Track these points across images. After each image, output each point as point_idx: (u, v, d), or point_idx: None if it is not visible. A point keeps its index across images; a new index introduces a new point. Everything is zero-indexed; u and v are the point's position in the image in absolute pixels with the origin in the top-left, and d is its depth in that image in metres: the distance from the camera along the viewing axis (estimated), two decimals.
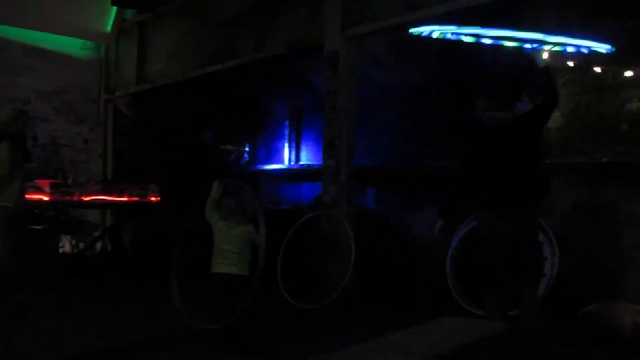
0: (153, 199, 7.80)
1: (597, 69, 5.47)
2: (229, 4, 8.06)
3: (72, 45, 9.81)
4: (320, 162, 6.85)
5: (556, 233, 5.25)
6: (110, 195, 7.62)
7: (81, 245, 8.62)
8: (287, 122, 9.94)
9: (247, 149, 10.34)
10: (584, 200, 5.78)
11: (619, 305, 4.64)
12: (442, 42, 4.76)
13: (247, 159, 10.32)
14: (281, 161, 9.97)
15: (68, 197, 7.14)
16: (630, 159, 5.57)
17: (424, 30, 4.66)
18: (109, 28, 9.92)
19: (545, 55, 5.02)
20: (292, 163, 9.85)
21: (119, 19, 9.91)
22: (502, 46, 4.57)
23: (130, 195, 7.65)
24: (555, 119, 6.07)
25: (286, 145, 9.93)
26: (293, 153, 9.89)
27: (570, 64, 5.57)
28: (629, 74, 5.59)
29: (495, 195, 3.71)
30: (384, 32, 6.47)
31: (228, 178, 4.70)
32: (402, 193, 7.65)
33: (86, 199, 7.36)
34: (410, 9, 5.83)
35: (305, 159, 9.78)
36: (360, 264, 5.80)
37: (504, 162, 3.71)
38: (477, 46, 4.89)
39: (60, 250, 8.17)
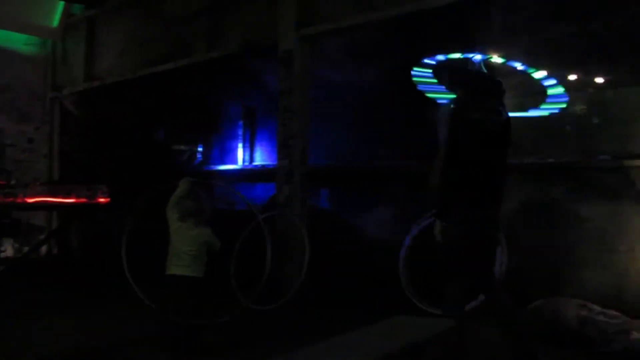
0: (102, 200, 7.57)
1: (543, 73, 5.65)
2: (182, 1, 7.93)
3: (15, 41, 9.43)
4: (274, 162, 6.82)
5: (503, 231, 5.38)
6: (56, 196, 7.35)
7: (25, 248, 8.30)
8: (241, 122, 9.86)
9: (200, 148, 10.19)
10: (530, 199, 5.97)
11: (564, 300, 4.81)
12: (396, 44, 4.80)
13: (201, 159, 10.18)
14: (235, 161, 9.87)
15: (11, 199, 6.85)
16: (573, 160, 5.80)
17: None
18: (55, 23, 9.59)
19: (494, 59, 5.15)
20: (247, 163, 9.78)
21: (66, 14, 9.60)
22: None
23: (77, 197, 7.41)
24: None
25: (240, 145, 9.85)
26: (247, 153, 9.82)
27: (519, 66, 5.73)
28: (572, 77, 5.82)
29: (495, 195, 3.71)
30: (338, 33, 6.50)
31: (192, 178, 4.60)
32: (356, 193, 7.70)
33: (30, 200, 7.07)
34: (363, 11, 5.89)
35: (260, 159, 9.72)
36: (315, 264, 5.81)
37: (499, 163, 3.74)
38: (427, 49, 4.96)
39: (2, 254, 7.84)
